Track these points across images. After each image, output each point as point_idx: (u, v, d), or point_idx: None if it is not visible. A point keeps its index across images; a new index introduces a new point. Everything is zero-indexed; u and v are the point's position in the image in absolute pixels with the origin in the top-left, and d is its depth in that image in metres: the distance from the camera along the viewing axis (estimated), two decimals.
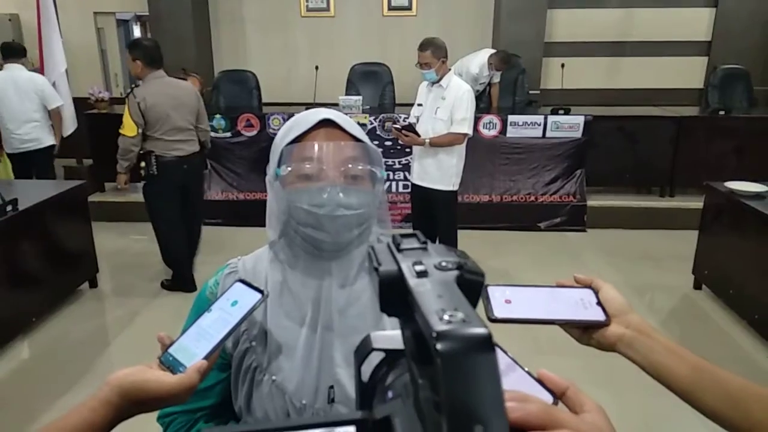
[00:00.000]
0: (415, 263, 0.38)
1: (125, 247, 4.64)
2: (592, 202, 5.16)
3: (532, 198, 5.11)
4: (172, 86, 3.64)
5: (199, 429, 0.95)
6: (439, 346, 0.30)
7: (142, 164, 3.58)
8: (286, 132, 0.88)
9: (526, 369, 0.56)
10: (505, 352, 0.58)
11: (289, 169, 0.85)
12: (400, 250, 0.40)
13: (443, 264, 0.38)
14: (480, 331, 0.30)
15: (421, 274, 0.37)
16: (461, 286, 0.36)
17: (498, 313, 0.72)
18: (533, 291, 0.77)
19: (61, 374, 2.99)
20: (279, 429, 0.37)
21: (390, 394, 0.41)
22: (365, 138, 0.89)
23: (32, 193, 3.53)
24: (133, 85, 3.56)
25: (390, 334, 0.45)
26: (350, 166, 0.84)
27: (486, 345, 0.30)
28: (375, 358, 0.47)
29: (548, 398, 0.51)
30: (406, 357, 0.39)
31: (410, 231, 0.43)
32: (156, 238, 3.90)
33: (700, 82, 6.75)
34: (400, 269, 0.38)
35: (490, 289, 0.74)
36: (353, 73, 6.12)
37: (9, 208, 3.17)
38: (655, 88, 6.67)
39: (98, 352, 3.25)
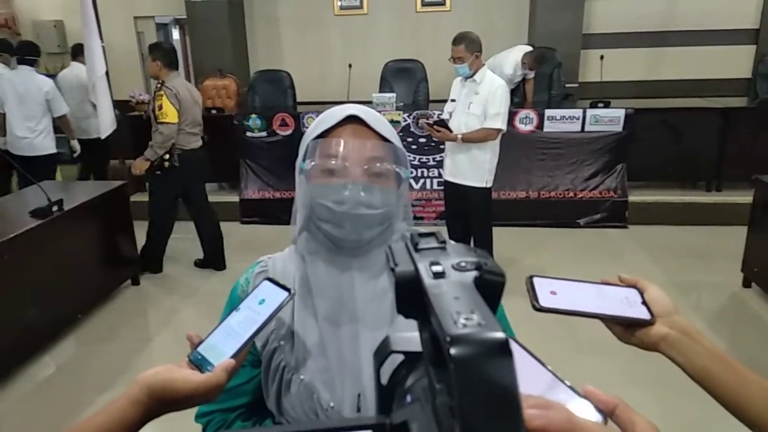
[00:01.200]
0: (432, 263, 0.36)
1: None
2: (634, 197, 5.01)
3: (571, 194, 5.00)
4: (188, 86, 4.02)
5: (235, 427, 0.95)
6: (453, 351, 0.28)
7: (166, 156, 3.83)
8: (314, 127, 0.89)
9: (569, 384, 0.53)
10: (549, 369, 0.55)
11: (313, 163, 0.85)
12: (417, 250, 0.39)
13: (462, 264, 0.36)
14: (496, 335, 0.29)
15: (438, 275, 0.35)
16: (480, 287, 0.35)
17: (543, 303, 0.72)
18: (578, 285, 0.77)
19: (104, 370, 3.09)
20: None
21: (408, 398, 0.40)
22: (393, 135, 0.88)
23: (77, 193, 3.67)
24: (159, 82, 3.81)
25: (409, 336, 0.44)
26: (373, 164, 0.84)
27: (502, 349, 0.29)
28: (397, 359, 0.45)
29: (596, 417, 0.49)
30: (424, 360, 0.38)
31: (429, 230, 0.41)
32: (151, 227, 4.14)
33: (747, 71, 6.47)
34: (416, 269, 0.36)
35: (535, 280, 0.74)
36: (387, 70, 6.11)
37: (55, 208, 3.29)
38: (699, 79, 6.43)
39: (140, 348, 3.34)
